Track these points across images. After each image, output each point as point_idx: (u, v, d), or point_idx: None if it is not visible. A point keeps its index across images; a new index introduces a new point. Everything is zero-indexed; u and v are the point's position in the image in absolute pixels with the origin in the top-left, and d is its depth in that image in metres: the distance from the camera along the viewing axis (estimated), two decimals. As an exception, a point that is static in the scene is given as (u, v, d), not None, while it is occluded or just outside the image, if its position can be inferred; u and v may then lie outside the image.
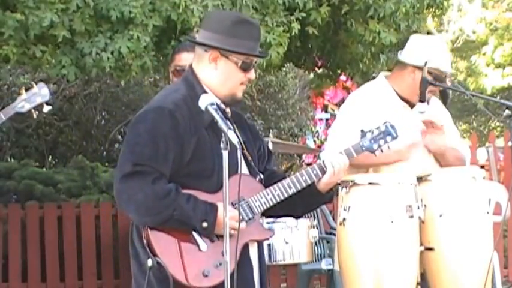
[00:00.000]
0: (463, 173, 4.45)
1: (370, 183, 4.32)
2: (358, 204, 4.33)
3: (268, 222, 4.35)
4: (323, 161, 3.65)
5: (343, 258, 4.40)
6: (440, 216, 4.33)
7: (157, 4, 5.54)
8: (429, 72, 4.59)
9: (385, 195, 4.29)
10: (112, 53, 5.49)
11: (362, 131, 3.74)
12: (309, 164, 12.32)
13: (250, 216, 3.55)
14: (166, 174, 3.41)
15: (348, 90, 12.16)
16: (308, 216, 6.04)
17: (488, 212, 4.42)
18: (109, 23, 5.49)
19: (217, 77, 3.53)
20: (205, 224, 3.42)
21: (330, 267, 6.42)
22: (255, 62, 3.61)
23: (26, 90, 3.89)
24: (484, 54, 16.51)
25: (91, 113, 11.01)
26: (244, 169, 3.58)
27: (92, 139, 11.08)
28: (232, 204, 3.47)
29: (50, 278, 8.10)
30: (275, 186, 3.60)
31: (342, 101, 12.56)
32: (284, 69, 8.68)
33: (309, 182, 3.60)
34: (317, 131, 12.92)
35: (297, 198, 3.65)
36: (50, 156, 11.16)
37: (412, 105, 4.69)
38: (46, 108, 3.89)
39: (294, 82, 10.55)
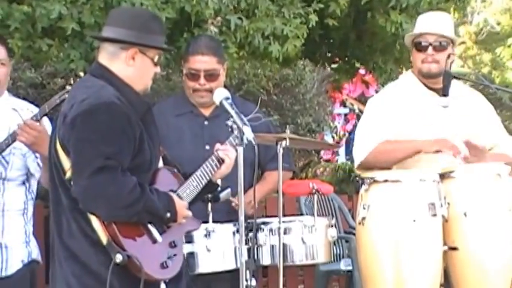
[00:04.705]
0: (487, 169, 4.36)
1: (390, 181, 4.27)
2: (378, 202, 4.28)
3: (284, 221, 4.27)
4: (219, 154, 3.81)
5: (363, 259, 4.35)
6: (465, 214, 4.26)
7: (170, -5, 5.41)
8: (415, 44, 4.57)
9: (407, 193, 4.23)
10: (122, 46, 5.36)
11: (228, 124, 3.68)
12: (327, 161, 12.21)
13: None
14: (126, 168, 3.42)
15: (367, 84, 12.03)
16: (326, 215, 5.92)
17: (514, 210, 4.32)
18: (120, 15, 5.36)
19: (134, 73, 3.55)
20: (168, 214, 3.47)
21: (349, 267, 6.29)
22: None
23: (70, 84, 3.97)
24: (509, 46, 16.43)
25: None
26: (160, 163, 3.70)
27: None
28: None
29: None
30: (193, 177, 3.73)
31: (362, 95, 12.45)
32: (302, 62, 8.54)
33: (213, 173, 3.77)
34: (335, 127, 12.78)
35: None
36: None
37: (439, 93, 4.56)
38: None
39: (311, 76, 10.37)
